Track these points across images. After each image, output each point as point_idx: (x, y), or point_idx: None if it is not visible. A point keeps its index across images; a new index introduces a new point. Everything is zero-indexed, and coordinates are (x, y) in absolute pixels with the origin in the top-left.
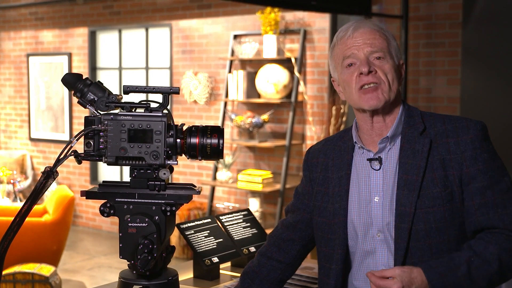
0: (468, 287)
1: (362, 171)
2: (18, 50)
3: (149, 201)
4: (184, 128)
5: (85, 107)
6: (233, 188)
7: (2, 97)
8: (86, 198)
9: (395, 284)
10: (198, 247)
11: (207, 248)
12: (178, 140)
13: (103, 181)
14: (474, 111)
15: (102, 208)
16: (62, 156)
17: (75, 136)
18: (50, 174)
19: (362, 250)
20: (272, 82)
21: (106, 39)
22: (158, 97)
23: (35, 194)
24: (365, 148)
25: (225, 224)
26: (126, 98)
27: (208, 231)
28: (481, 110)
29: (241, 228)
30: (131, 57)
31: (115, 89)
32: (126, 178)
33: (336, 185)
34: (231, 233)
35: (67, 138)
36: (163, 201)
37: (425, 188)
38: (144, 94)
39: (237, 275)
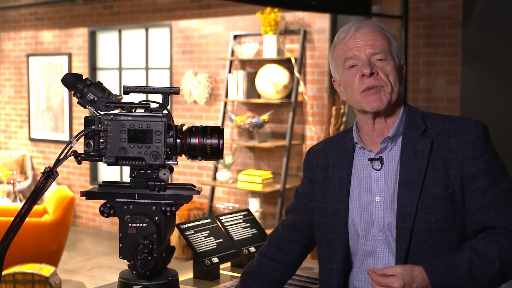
0: (469, 286)
1: (363, 171)
2: (18, 50)
3: (149, 201)
4: (184, 128)
5: (85, 107)
6: (233, 188)
7: (2, 97)
8: (86, 198)
9: (396, 282)
10: (198, 247)
11: (207, 249)
12: (178, 141)
13: (103, 181)
14: (474, 111)
15: (102, 209)
16: (62, 156)
17: (75, 137)
18: (50, 174)
19: (363, 250)
20: (272, 82)
21: (106, 39)
22: (158, 98)
23: (35, 194)
24: (366, 148)
25: (225, 224)
26: (126, 98)
27: (208, 232)
28: (481, 110)
29: (241, 229)
30: (131, 57)
31: (115, 90)
32: (126, 178)
33: (337, 185)
34: (231, 233)
35: (67, 139)
36: (163, 202)
37: (427, 188)
38: (144, 95)
39: (237, 275)
